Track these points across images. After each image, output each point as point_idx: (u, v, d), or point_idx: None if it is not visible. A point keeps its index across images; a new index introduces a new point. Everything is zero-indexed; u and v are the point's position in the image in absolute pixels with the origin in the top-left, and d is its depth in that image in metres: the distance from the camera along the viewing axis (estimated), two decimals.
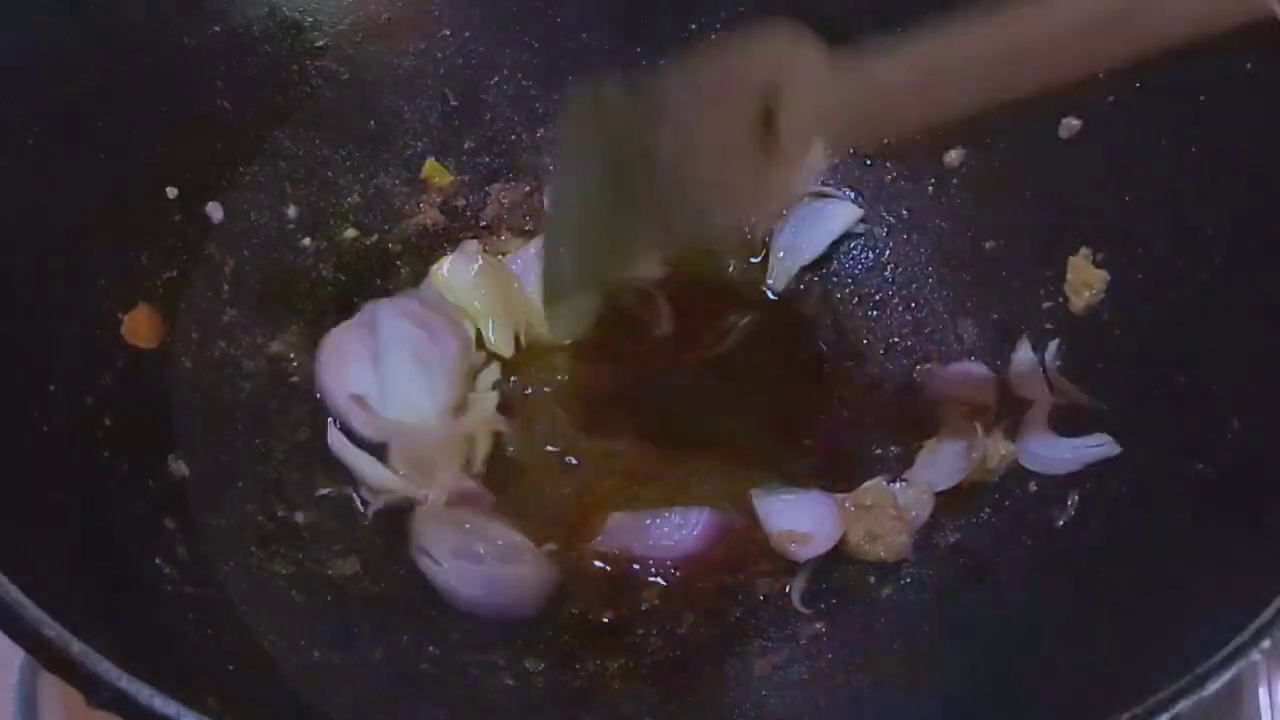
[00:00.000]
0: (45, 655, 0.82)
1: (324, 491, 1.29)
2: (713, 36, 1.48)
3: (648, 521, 1.28)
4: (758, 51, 1.15)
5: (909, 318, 1.44)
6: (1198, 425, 1.09)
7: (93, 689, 0.81)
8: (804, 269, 1.49)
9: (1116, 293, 1.26)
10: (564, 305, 1.32)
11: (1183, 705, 0.81)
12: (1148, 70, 1.19)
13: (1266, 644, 0.84)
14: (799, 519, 1.29)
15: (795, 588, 1.26)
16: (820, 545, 1.28)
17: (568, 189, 1.34)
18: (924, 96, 1.03)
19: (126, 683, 0.81)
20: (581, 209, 1.29)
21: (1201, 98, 1.17)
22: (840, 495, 1.31)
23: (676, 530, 1.28)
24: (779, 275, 1.48)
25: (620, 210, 1.23)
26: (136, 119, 1.27)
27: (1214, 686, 0.82)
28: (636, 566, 1.28)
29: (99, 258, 1.21)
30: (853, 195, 1.50)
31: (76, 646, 0.81)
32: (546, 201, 1.45)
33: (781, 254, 1.49)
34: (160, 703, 0.81)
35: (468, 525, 1.25)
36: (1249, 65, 1.13)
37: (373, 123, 1.47)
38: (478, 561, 1.22)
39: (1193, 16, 0.93)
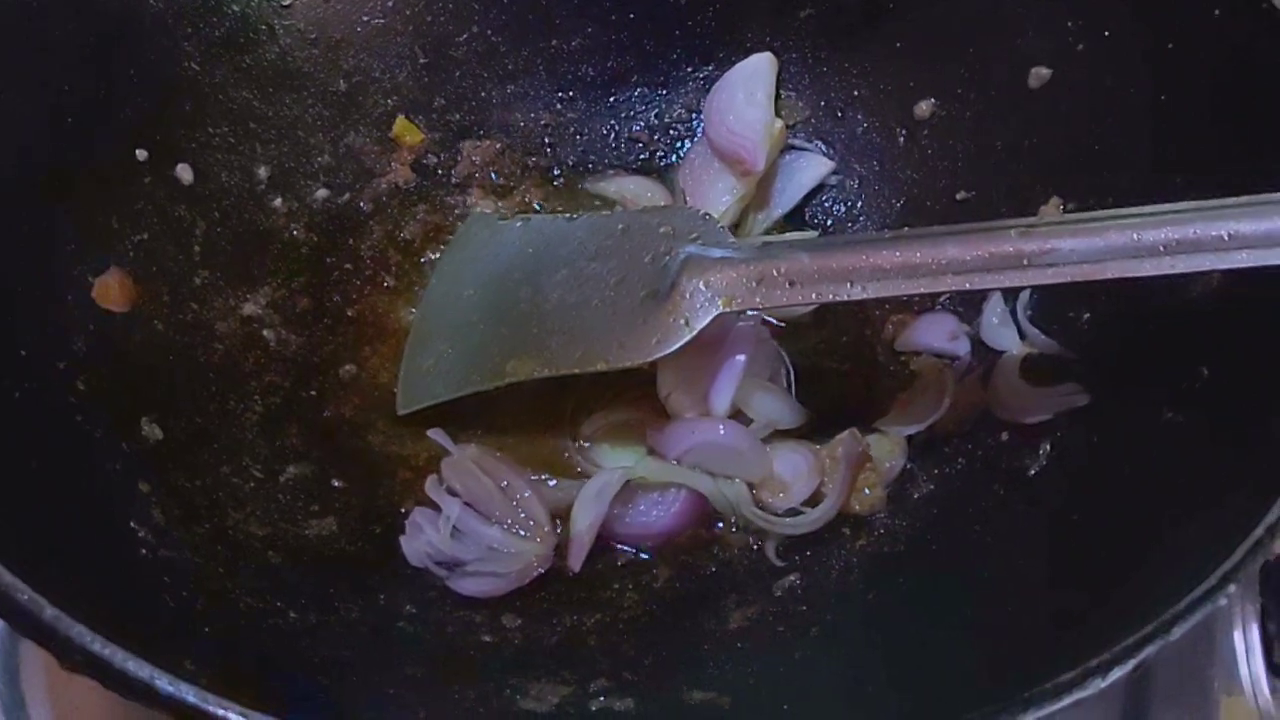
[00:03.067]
0: (18, 620, 0.82)
1: (298, 453, 1.29)
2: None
3: (626, 504, 1.27)
4: (667, 222, 1.23)
5: None
6: (1167, 374, 1.10)
7: (66, 653, 0.81)
8: (777, 222, 1.50)
9: None
10: (416, 399, 1.36)
11: (1149, 651, 0.82)
12: (1116, 19, 1.20)
13: (1232, 589, 0.84)
14: (776, 469, 1.30)
15: (770, 542, 1.26)
16: (797, 496, 1.28)
17: (443, 296, 1.40)
18: (819, 286, 1.12)
19: (100, 646, 0.81)
20: (452, 319, 1.36)
21: (1170, 45, 1.17)
22: (816, 446, 1.30)
23: (654, 507, 1.28)
24: (752, 230, 1.49)
25: (492, 331, 1.30)
26: (104, 82, 1.26)
27: (1179, 632, 0.82)
28: (613, 545, 1.29)
29: (68, 222, 1.21)
30: (824, 148, 1.51)
31: (49, 611, 0.81)
32: (420, 303, 1.45)
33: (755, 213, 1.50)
34: (134, 666, 0.81)
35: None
36: (1217, 12, 1.13)
37: (342, 81, 1.47)
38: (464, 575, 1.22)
39: None
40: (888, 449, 1.29)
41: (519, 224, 1.40)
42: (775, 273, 1.13)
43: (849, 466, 1.26)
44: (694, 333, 1.17)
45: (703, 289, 1.17)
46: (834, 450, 1.28)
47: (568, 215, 1.41)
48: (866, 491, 1.27)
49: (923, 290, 1.08)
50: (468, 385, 1.31)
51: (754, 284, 1.15)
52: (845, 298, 1.11)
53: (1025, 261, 1.02)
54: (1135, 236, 0.98)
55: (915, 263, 1.06)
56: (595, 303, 1.26)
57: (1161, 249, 0.98)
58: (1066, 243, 1.01)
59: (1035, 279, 1.03)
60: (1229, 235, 0.96)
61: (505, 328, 1.31)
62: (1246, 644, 1.24)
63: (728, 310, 1.16)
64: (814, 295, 1.13)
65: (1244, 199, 0.97)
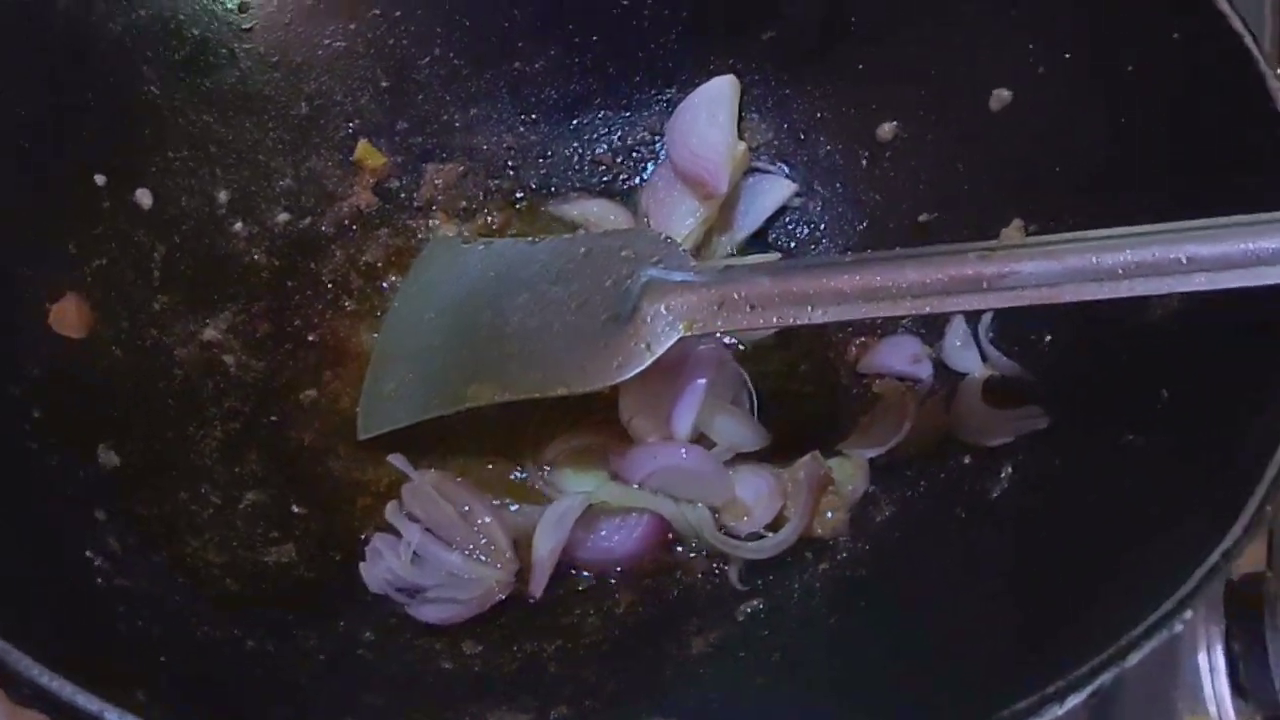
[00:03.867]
0: None
1: (258, 479, 1.28)
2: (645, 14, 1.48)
3: (588, 529, 1.27)
4: (628, 245, 1.24)
5: None
6: (1128, 396, 1.10)
7: (12, 686, 0.81)
8: (741, 244, 1.50)
9: None
10: (377, 424, 1.35)
11: (1105, 677, 0.82)
12: (1076, 42, 1.21)
13: (1189, 614, 0.84)
14: (739, 493, 1.29)
15: (732, 566, 1.26)
16: (760, 519, 1.28)
17: (404, 320, 1.40)
18: (781, 309, 1.12)
19: (48, 679, 0.80)
20: (413, 344, 1.36)
21: (1130, 68, 1.18)
22: (778, 469, 1.30)
23: (617, 532, 1.28)
24: (716, 253, 1.49)
25: (453, 356, 1.31)
26: (62, 105, 1.26)
27: (1136, 658, 0.83)
28: (574, 570, 1.28)
29: (24, 247, 1.20)
30: (787, 170, 1.51)
31: None
32: (382, 327, 1.44)
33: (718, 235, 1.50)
34: (83, 699, 0.80)
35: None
36: (1176, 36, 1.13)
37: (304, 105, 1.46)
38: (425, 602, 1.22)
39: None
40: (850, 472, 1.29)
41: (481, 247, 1.40)
42: (736, 296, 1.13)
43: (811, 490, 1.26)
44: (655, 356, 1.17)
45: (664, 313, 1.17)
46: (796, 473, 1.28)
47: (530, 239, 1.40)
48: (829, 515, 1.27)
49: (883, 314, 1.09)
50: (429, 410, 1.31)
51: (715, 307, 1.15)
52: (806, 321, 1.11)
53: (985, 285, 1.02)
54: (1094, 260, 0.99)
55: (875, 286, 1.06)
56: (556, 327, 1.25)
57: (1120, 272, 0.98)
58: (1026, 266, 1.01)
59: (995, 302, 1.03)
60: (1187, 259, 0.96)
61: (466, 352, 1.31)
62: (1210, 665, 1.24)
63: (689, 334, 1.16)
64: (775, 319, 1.12)
65: (1202, 222, 0.97)
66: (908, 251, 1.08)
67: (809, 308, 1.10)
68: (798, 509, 1.26)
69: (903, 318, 1.37)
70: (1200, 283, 0.96)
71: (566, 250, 1.31)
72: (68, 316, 1.21)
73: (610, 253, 1.26)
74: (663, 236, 1.27)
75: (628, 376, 1.19)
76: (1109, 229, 1.00)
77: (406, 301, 1.42)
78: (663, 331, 1.17)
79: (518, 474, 1.35)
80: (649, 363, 1.17)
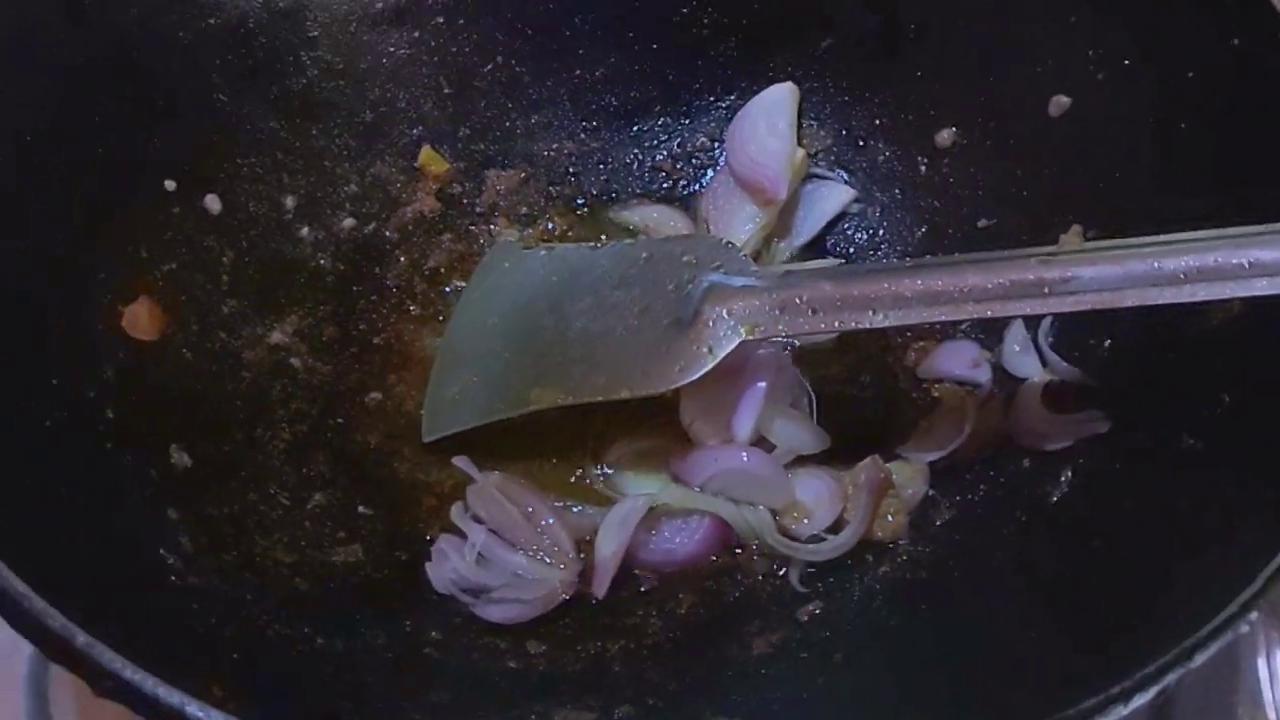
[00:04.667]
0: (50, 646, 0.84)
1: (325, 480, 1.30)
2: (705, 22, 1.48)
3: (650, 530, 1.28)
4: (690, 250, 1.25)
5: None
6: (1188, 400, 1.10)
7: (97, 679, 0.82)
8: (799, 250, 1.50)
9: None
10: (441, 427, 1.37)
11: (1170, 678, 0.82)
12: (1136, 48, 1.21)
13: (1254, 616, 0.84)
14: (799, 495, 1.30)
15: (793, 568, 1.27)
16: (820, 522, 1.29)
17: (468, 325, 1.41)
18: (842, 314, 1.13)
19: (131, 673, 0.82)
20: (477, 348, 1.37)
21: (1190, 74, 1.18)
22: (838, 472, 1.31)
23: (678, 534, 1.29)
24: (775, 259, 1.50)
25: (516, 360, 1.32)
26: (134, 114, 1.28)
27: (1201, 659, 0.83)
28: (636, 572, 1.29)
29: (99, 252, 1.22)
30: (846, 177, 1.51)
31: (81, 638, 0.83)
32: (445, 332, 1.45)
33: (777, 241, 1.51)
34: (164, 692, 0.82)
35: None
36: (1236, 42, 1.13)
37: (369, 112, 1.48)
38: (490, 602, 1.23)
39: None
40: (909, 475, 1.29)
41: (543, 253, 1.41)
42: (798, 300, 1.14)
43: (871, 493, 1.27)
44: (717, 360, 1.18)
45: (725, 317, 1.18)
46: (856, 477, 1.28)
47: (591, 244, 1.42)
48: (889, 518, 1.27)
49: (944, 318, 1.09)
50: (492, 413, 1.32)
51: (777, 312, 1.16)
52: (868, 325, 1.12)
53: (1046, 289, 1.03)
54: (1156, 265, 0.99)
55: (937, 290, 1.07)
56: (619, 331, 1.27)
57: (1182, 277, 0.98)
58: (1087, 271, 1.01)
59: (1056, 307, 1.04)
60: (1249, 263, 0.96)
61: (529, 356, 1.32)
62: (1271, 670, 1.24)
63: (750, 338, 1.17)
64: (836, 323, 1.13)
65: (1264, 227, 0.97)
66: (969, 256, 1.09)
67: (870, 312, 1.11)
68: (858, 512, 1.26)
69: (962, 322, 1.37)
70: (1262, 287, 0.96)
71: (628, 255, 1.32)
72: (140, 319, 1.23)
73: (672, 258, 1.27)
74: (723, 242, 1.28)
75: (690, 380, 1.20)
76: (1170, 234, 1.01)
77: (470, 306, 1.43)
78: (724, 335, 1.18)
79: (580, 476, 1.36)
80: (711, 366, 1.19)
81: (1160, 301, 0.99)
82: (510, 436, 1.35)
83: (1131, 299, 1.00)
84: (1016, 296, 1.04)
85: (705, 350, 1.18)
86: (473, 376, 1.36)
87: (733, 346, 1.18)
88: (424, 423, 1.37)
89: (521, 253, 1.43)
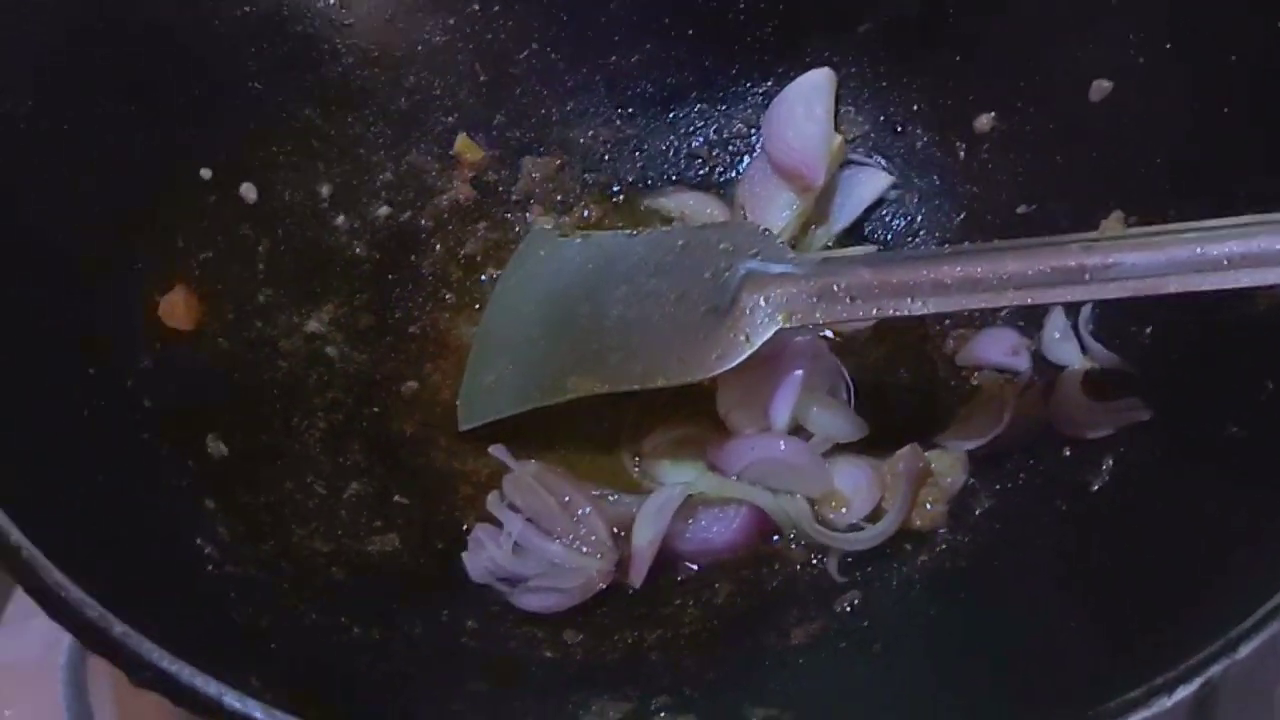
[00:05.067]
0: (88, 636, 0.84)
1: (361, 469, 1.30)
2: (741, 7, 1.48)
3: (687, 519, 1.28)
4: (726, 238, 1.23)
5: None
6: (1231, 388, 1.09)
7: (135, 669, 0.82)
8: (837, 236, 1.50)
9: None
10: (478, 415, 1.36)
11: (1216, 669, 0.81)
12: (1178, 31, 1.19)
13: None
14: (837, 484, 1.30)
15: (831, 557, 1.26)
16: (858, 511, 1.28)
17: (504, 313, 1.41)
18: (880, 301, 1.12)
19: (169, 663, 0.82)
20: (513, 336, 1.36)
21: (1232, 57, 1.16)
22: (876, 461, 1.30)
23: (716, 523, 1.28)
24: (812, 245, 1.49)
25: (553, 348, 1.31)
26: (170, 102, 1.28)
27: (1247, 650, 0.82)
28: (673, 561, 1.28)
29: (135, 241, 1.22)
30: (884, 163, 1.50)
31: (118, 628, 0.83)
32: (482, 320, 1.45)
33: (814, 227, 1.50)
34: (202, 681, 0.82)
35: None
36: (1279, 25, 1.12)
37: (404, 99, 1.48)
38: (526, 591, 1.23)
39: None
40: (949, 464, 1.28)
41: (579, 240, 1.41)
42: (836, 288, 1.14)
43: (910, 482, 1.26)
44: (754, 348, 1.17)
45: (763, 304, 1.17)
46: (895, 465, 1.28)
47: (628, 231, 1.41)
48: (928, 507, 1.26)
49: (984, 305, 1.09)
50: (529, 401, 1.32)
51: (814, 299, 1.15)
52: (906, 312, 1.11)
53: (1087, 276, 1.02)
54: (1199, 250, 0.98)
55: (976, 277, 1.06)
56: (655, 319, 1.26)
57: (1225, 263, 0.97)
58: (1129, 257, 1.00)
59: (1097, 293, 1.03)
60: None
61: (566, 344, 1.32)
62: None
63: (788, 325, 1.16)
64: (875, 310, 1.12)
65: None
66: (1009, 243, 1.08)
67: (909, 299, 1.10)
68: (896, 501, 1.26)
69: (1002, 310, 1.36)
70: None
71: (664, 243, 1.32)
72: (176, 308, 1.24)
73: (708, 245, 1.27)
74: (760, 229, 1.27)
75: (727, 368, 1.19)
76: (1213, 220, 0.99)
77: (505, 294, 1.43)
78: (761, 323, 1.17)
79: (617, 465, 1.35)
80: (748, 354, 1.18)
81: (1204, 287, 0.98)
82: (547, 425, 1.35)
83: (1175, 285, 0.99)
84: (1058, 283, 1.03)
85: (742, 338, 1.18)
86: (509, 364, 1.36)
87: (770, 334, 1.17)
88: (460, 411, 1.37)
89: (557, 240, 1.43)
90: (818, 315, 1.16)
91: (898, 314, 1.11)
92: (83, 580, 0.85)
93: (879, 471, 1.29)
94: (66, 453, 1.02)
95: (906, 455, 1.27)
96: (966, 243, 1.38)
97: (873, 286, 1.12)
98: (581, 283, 1.35)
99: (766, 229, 1.27)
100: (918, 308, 1.10)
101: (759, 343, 1.17)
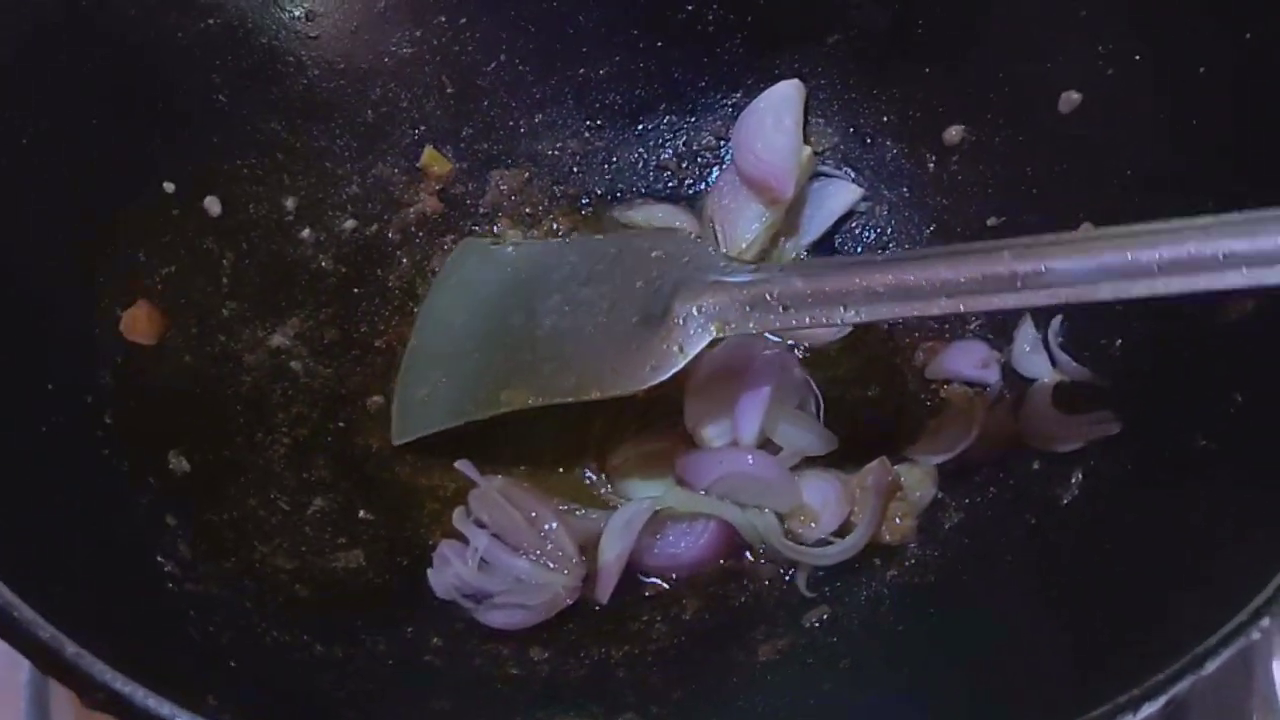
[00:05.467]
0: (39, 657, 0.83)
1: (326, 485, 1.29)
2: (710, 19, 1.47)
3: (655, 534, 1.27)
4: (659, 246, 1.23)
5: None
6: (1200, 401, 1.09)
7: (87, 690, 0.81)
8: (807, 249, 1.49)
9: None
10: (411, 429, 1.36)
11: (1181, 686, 0.81)
12: (1146, 43, 1.19)
13: (1266, 623, 0.83)
14: (806, 498, 1.29)
15: (800, 572, 1.26)
16: (827, 525, 1.27)
17: (435, 324, 1.40)
18: (813, 309, 1.11)
19: (122, 684, 0.81)
20: (445, 347, 1.36)
21: (1200, 69, 1.16)
22: (845, 475, 1.30)
23: (683, 538, 1.28)
24: (782, 258, 1.48)
25: (486, 359, 1.31)
26: (132, 115, 1.27)
27: (1213, 667, 0.81)
28: (641, 576, 1.28)
29: (97, 255, 1.21)
30: (854, 175, 1.50)
31: (71, 648, 0.82)
32: (413, 331, 1.44)
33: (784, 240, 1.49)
34: (155, 703, 0.81)
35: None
36: (1248, 36, 1.12)
37: (370, 112, 1.47)
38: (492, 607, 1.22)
39: None
40: (918, 477, 1.28)
41: (510, 249, 1.40)
42: (769, 296, 1.13)
43: (879, 495, 1.25)
44: (687, 359, 1.17)
45: (695, 314, 1.16)
46: (864, 479, 1.27)
47: (561, 238, 1.40)
48: (897, 521, 1.26)
49: (916, 313, 1.07)
50: (462, 415, 1.31)
51: (747, 308, 1.14)
52: (839, 320, 1.11)
53: (1019, 283, 1.01)
54: (1129, 256, 0.97)
55: (908, 285, 1.06)
56: (588, 329, 1.25)
57: (1156, 269, 0.96)
58: (1060, 263, 0.99)
59: (1030, 300, 1.02)
60: (1225, 254, 0.94)
61: (499, 355, 1.31)
62: None
63: (721, 335, 1.16)
64: (808, 318, 1.12)
65: (1241, 215, 0.95)
66: (941, 249, 1.08)
67: (841, 307, 1.09)
68: (865, 515, 1.25)
69: (970, 322, 1.37)
70: (1240, 279, 0.94)
71: (597, 251, 1.31)
72: (139, 323, 1.23)
73: (641, 253, 1.26)
74: (693, 236, 1.27)
75: (660, 379, 1.18)
76: (1146, 223, 0.98)
77: (437, 304, 1.43)
78: (695, 333, 1.16)
79: (584, 479, 1.35)
80: (681, 365, 1.17)
81: (1135, 295, 0.97)
82: (513, 440, 1.34)
83: (1106, 292, 0.98)
84: (989, 291, 1.02)
85: (676, 349, 1.17)
86: (442, 378, 1.35)
87: (703, 344, 1.16)
88: (394, 424, 1.37)
89: (489, 248, 1.43)
90: (751, 325, 1.15)
91: (830, 323, 1.12)
92: (35, 599, 0.84)
93: (848, 486, 1.28)
94: (22, 469, 1.01)
95: (875, 469, 1.27)
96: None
97: (805, 295, 1.11)
98: (514, 292, 1.35)
99: (698, 237, 1.27)
100: (850, 316, 1.09)
101: (692, 353, 1.16)
